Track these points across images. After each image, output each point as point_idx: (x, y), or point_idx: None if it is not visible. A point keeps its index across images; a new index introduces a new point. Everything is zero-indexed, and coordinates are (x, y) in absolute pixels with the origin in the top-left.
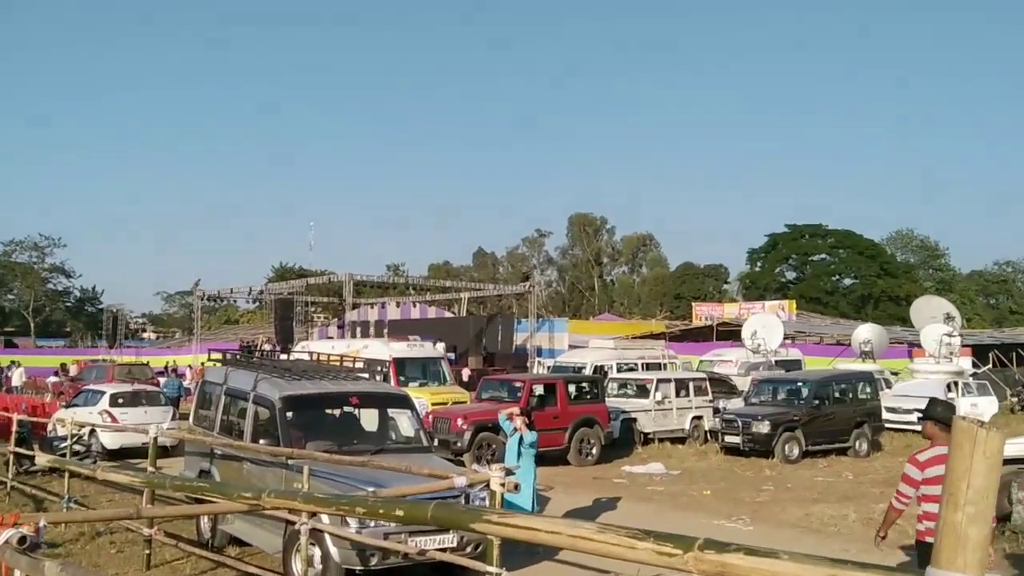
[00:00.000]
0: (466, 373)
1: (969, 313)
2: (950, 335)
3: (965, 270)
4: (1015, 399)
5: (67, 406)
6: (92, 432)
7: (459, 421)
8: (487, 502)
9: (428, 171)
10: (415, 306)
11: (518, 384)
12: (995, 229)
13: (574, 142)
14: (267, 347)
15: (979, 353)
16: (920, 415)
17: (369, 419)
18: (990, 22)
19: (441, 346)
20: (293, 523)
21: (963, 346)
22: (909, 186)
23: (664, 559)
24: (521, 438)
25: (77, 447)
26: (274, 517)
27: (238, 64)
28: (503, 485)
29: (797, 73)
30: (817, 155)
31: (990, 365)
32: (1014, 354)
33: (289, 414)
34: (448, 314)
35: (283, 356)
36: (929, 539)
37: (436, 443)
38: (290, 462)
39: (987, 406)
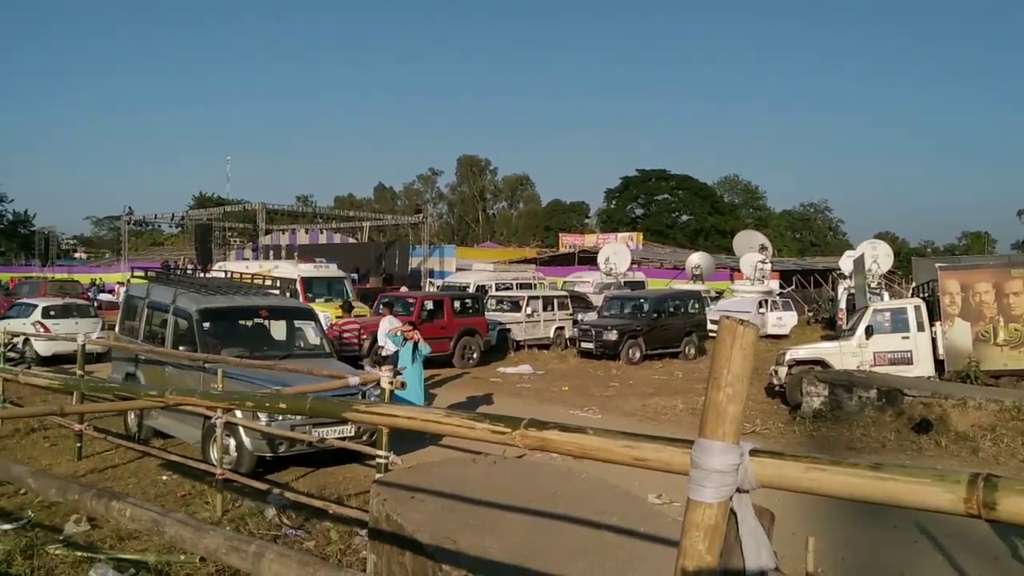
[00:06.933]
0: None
1: (780, 245)
2: (763, 262)
3: (778, 209)
4: (811, 313)
5: (0, 318)
6: (26, 341)
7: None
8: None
9: (337, 118)
10: (322, 233)
11: (411, 300)
12: (803, 175)
13: (463, 90)
14: (189, 267)
15: (785, 277)
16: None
17: (278, 329)
18: None
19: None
20: (210, 417)
21: (773, 271)
22: (735, 138)
23: (498, 436)
24: (415, 346)
25: (11, 354)
26: (194, 413)
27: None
28: (391, 383)
29: (660, 35)
30: (666, 110)
31: (793, 287)
32: (812, 278)
33: (205, 324)
34: (352, 240)
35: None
36: None
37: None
38: (207, 366)
39: (789, 319)
